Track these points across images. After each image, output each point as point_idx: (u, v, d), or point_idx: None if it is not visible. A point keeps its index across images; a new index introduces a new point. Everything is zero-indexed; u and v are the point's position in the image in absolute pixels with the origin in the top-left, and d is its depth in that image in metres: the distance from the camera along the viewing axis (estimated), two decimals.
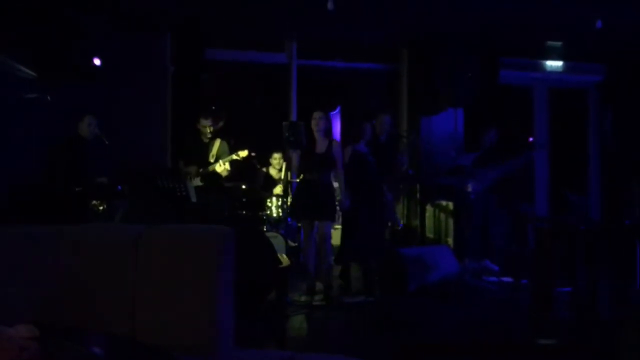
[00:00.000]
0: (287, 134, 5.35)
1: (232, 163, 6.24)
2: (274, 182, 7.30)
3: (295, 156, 5.53)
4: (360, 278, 6.10)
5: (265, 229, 6.44)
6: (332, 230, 5.95)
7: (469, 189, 6.76)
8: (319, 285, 5.52)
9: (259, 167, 6.99)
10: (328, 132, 5.77)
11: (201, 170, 6.18)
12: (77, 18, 6.00)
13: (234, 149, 6.37)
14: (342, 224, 6.11)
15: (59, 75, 6.00)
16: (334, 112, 8.17)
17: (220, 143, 6.31)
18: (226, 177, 6.27)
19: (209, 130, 6.24)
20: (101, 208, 5.83)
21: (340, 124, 8.45)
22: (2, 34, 5.63)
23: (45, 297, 2.41)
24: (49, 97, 5.99)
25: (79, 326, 2.28)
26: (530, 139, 8.96)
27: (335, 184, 5.84)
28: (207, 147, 6.26)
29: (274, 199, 6.78)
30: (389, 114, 6.71)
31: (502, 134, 7.26)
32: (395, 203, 7.14)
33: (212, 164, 6.20)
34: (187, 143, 6.36)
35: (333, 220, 5.82)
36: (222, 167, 6.14)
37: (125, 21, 6.65)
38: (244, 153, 6.31)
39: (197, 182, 6.18)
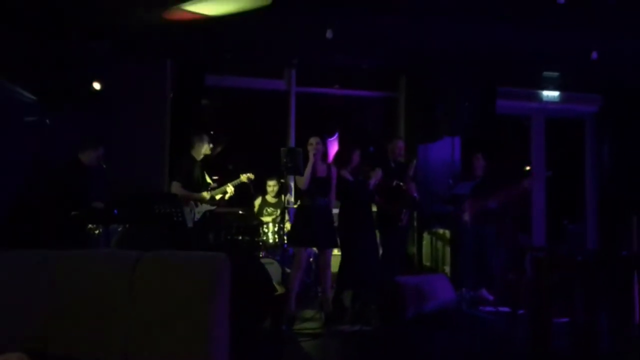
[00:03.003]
0: (285, 160, 5.36)
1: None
2: (270, 207, 7.30)
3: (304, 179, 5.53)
4: (356, 306, 6.06)
5: (261, 255, 6.40)
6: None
7: (466, 217, 6.76)
8: (305, 313, 5.45)
9: (252, 192, 6.99)
10: (325, 156, 5.81)
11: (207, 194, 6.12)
12: (78, 43, 6.05)
13: (232, 174, 6.40)
14: (341, 251, 6.08)
15: (58, 99, 6.03)
16: (332, 139, 8.20)
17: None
18: (223, 201, 6.25)
19: (208, 152, 6.19)
20: (97, 232, 5.80)
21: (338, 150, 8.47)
22: (3, 57, 5.67)
23: (37, 323, 2.38)
24: (47, 121, 6.02)
25: (71, 355, 2.25)
26: (527, 168, 9.00)
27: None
28: (202, 169, 6.23)
29: (270, 225, 6.76)
30: (401, 139, 6.73)
31: (499, 163, 7.28)
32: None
33: (212, 188, 6.16)
34: (185, 165, 6.18)
35: (335, 247, 5.80)
36: (231, 192, 6.15)
37: (126, 47, 6.70)
38: (251, 175, 6.40)
39: (207, 207, 6.12)
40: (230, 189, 6.19)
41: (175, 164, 6.76)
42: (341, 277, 5.93)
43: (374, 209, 6.52)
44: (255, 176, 6.54)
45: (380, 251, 6.61)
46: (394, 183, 6.26)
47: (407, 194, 6.36)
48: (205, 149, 6.15)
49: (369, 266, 5.99)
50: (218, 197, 6.18)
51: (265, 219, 7.10)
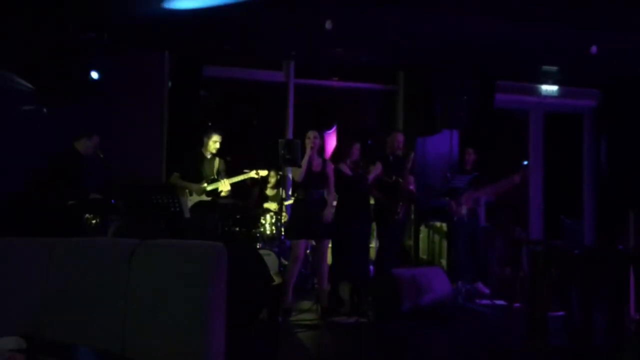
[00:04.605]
0: (283, 152, 5.36)
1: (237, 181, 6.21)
2: (269, 200, 7.30)
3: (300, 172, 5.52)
4: (353, 298, 6.07)
5: (258, 247, 6.41)
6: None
7: (463, 210, 6.77)
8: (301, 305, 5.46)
9: (249, 184, 6.97)
10: (321, 150, 5.81)
11: (205, 185, 6.10)
12: (76, 34, 6.03)
13: (230, 166, 6.35)
14: (332, 244, 6.08)
15: (57, 89, 6.01)
16: (330, 131, 8.19)
17: (219, 161, 6.25)
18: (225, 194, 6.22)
19: (218, 146, 6.17)
20: (94, 222, 5.80)
21: (336, 143, 8.46)
22: (2, 46, 5.65)
23: (35, 310, 2.38)
24: (45, 110, 6.00)
25: (68, 341, 2.25)
26: (525, 163, 9.00)
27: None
28: (211, 164, 6.20)
29: (268, 216, 6.76)
30: (401, 132, 6.72)
31: (496, 157, 7.28)
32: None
33: (215, 180, 6.12)
34: (189, 158, 6.19)
35: (330, 239, 5.81)
36: (227, 186, 6.09)
37: (125, 38, 6.68)
38: (264, 172, 6.31)
39: (201, 197, 6.11)
40: (226, 185, 6.07)
41: (174, 155, 6.76)
42: (336, 269, 5.93)
43: (372, 202, 6.53)
44: (254, 170, 6.36)
45: (378, 244, 6.62)
46: (393, 178, 6.26)
47: (405, 188, 6.35)
48: (212, 145, 6.12)
49: (362, 259, 6.02)
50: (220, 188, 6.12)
51: (266, 206, 7.11)
